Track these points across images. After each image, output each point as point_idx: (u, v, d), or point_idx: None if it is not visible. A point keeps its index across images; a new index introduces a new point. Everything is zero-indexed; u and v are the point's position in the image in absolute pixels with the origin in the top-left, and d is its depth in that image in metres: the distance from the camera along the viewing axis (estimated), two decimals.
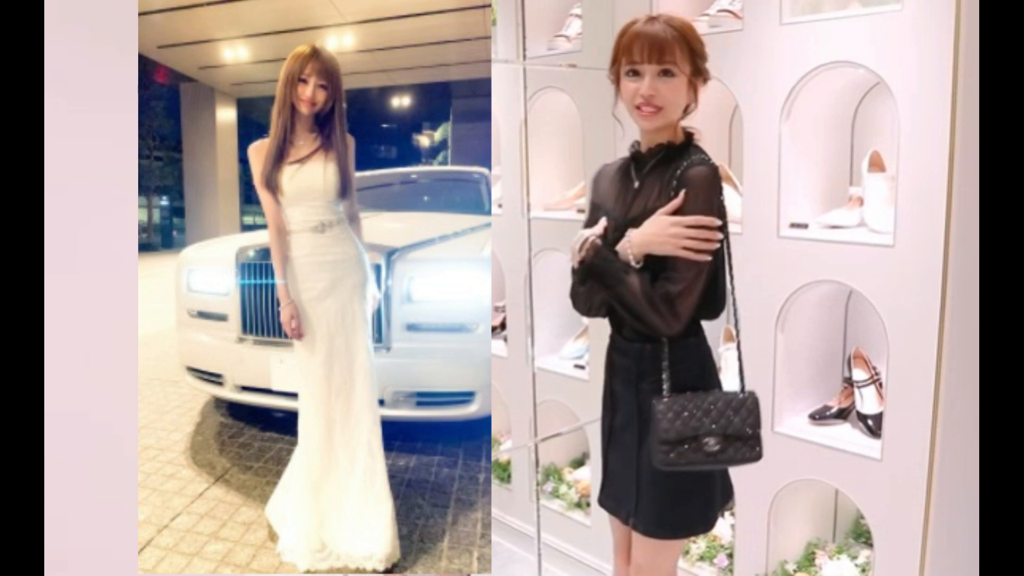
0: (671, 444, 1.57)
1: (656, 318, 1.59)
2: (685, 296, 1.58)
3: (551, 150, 2.97)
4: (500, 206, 3.08)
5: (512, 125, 2.92)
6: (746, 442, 1.60)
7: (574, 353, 3.04)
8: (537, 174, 2.75)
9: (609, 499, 1.83)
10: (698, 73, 1.63)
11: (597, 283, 1.66)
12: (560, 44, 2.86)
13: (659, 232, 1.58)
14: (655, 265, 1.61)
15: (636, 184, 1.68)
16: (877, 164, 2.20)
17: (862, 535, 2.46)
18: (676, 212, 1.58)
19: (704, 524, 1.74)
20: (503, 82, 3.01)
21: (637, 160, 1.71)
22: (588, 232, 1.68)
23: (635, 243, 1.60)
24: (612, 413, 1.79)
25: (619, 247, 1.63)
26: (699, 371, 1.69)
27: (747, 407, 1.61)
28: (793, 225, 2.21)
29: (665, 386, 1.63)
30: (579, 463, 3.22)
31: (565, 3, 2.97)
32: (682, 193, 1.58)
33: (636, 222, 1.63)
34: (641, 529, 1.72)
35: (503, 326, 3.22)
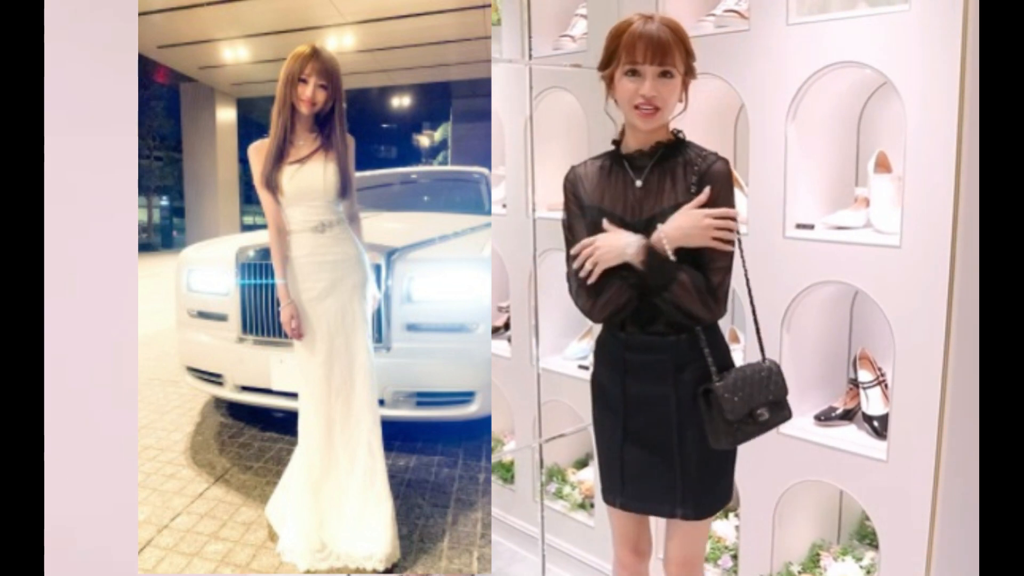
0: (736, 423, 1.66)
1: (703, 309, 1.65)
2: (724, 284, 1.67)
3: (556, 150, 2.95)
4: (504, 206, 3.06)
5: (517, 125, 2.91)
6: (780, 405, 1.72)
7: (578, 353, 3.03)
8: (542, 174, 2.74)
9: (635, 501, 1.81)
10: (689, 72, 1.67)
11: (639, 285, 1.65)
12: (565, 44, 2.85)
13: (695, 225, 1.63)
14: (686, 258, 1.65)
15: (639, 183, 1.70)
16: (883, 165, 2.19)
17: (867, 537, 2.45)
18: (704, 206, 1.64)
19: (732, 490, 1.84)
20: (508, 82, 3.00)
21: (631, 159, 1.72)
22: (634, 239, 1.65)
23: (671, 237, 1.63)
24: (624, 414, 1.78)
25: (651, 243, 1.65)
26: (726, 351, 1.78)
27: (775, 372, 1.72)
28: (799, 226, 2.21)
29: (713, 370, 1.68)
30: (583, 464, 3.21)
31: (570, 3, 2.97)
32: (707, 188, 1.64)
33: (653, 220, 1.66)
34: (693, 515, 1.75)
35: (507, 326, 3.21)
